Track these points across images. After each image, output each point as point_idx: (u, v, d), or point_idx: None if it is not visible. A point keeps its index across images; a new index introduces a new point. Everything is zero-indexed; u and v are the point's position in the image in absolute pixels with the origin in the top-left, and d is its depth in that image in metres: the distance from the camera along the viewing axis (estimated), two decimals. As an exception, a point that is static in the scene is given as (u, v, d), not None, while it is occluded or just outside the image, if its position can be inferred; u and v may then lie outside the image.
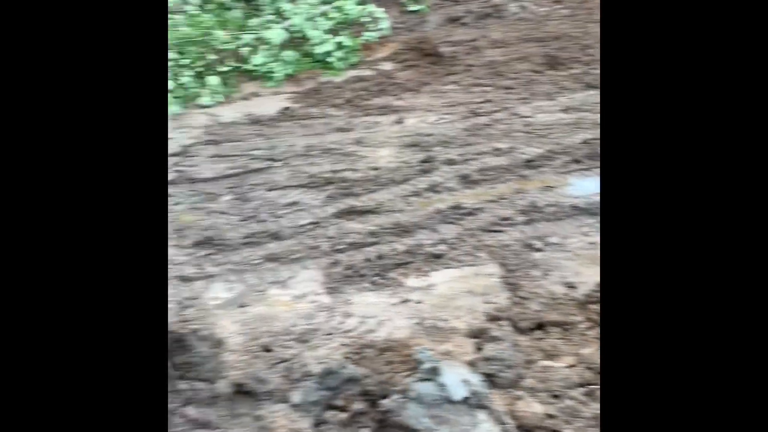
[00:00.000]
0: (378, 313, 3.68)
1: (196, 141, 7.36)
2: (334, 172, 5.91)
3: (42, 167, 1.60)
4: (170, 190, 5.78)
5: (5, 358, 1.52)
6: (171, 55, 9.41)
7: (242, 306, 3.72)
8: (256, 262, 4.19)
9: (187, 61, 9.35)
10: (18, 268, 1.54)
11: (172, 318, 3.48)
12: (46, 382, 1.54)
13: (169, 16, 10.40)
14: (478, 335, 3.45)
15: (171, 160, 6.75)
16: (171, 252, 4.36)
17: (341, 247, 4.32)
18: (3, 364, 1.51)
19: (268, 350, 3.36)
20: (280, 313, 3.66)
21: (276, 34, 9.46)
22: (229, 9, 10.68)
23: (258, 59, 9.23)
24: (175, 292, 3.81)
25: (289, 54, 9.49)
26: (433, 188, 4.79)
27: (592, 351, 3.19)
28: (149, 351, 1.66)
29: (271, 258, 4.22)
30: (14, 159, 1.56)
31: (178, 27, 10.27)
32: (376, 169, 5.94)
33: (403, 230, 4.39)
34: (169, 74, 9.03)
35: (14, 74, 1.57)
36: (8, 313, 1.52)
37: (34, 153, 1.59)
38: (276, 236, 4.51)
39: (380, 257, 4.13)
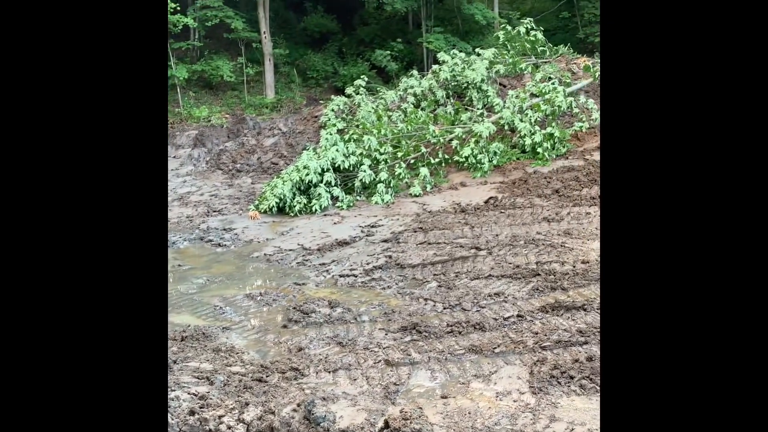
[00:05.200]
0: (587, 421, 3.40)
1: (405, 228, 7.76)
2: (540, 263, 5.79)
3: (42, 168, 1.61)
4: (379, 273, 6.09)
5: (5, 358, 1.50)
6: (388, 148, 10.23)
7: (444, 397, 3.70)
8: (459, 352, 4.18)
9: (401, 154, 10.06)
10: (19, 269, 1.55)
11: (382, 404, 3.58)
12: (46, 382, 1.52)
13: (389, 112, 11.40)
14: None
15: (382, 246, 7.19)
16: (379, 335, 4.55)
17: (547, 344, 4.14)
18: (3, 363, 1.49)
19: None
20: (483, 409, 3.56)
21: (485, 127, 9.82)
22: (443, 105, 11.39)
23: (466, 151, 9.62)
24: (380, 376, 3.94)
25: (497, 146, 9.74)
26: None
27: None
28: (149, 350, 1.63)
29: (474, 350, 4.18)
30: (15, 159, 1.58)
31: (396, 123, 11.21)
32: (585, 262, 5.69)
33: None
34: (386, 165, 9.79)
35: (18, 75, 1.61)
36: (9, 314, 1.52)
37: (35, 153, 1.61)
38: (479, 327, 4.48)
39: (590, 359, 3.87)
